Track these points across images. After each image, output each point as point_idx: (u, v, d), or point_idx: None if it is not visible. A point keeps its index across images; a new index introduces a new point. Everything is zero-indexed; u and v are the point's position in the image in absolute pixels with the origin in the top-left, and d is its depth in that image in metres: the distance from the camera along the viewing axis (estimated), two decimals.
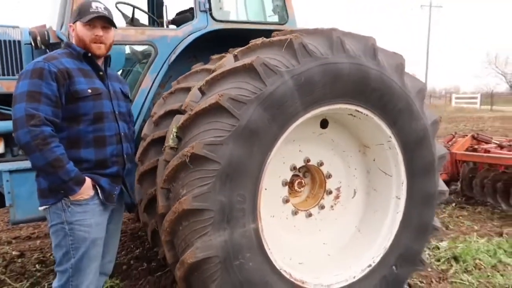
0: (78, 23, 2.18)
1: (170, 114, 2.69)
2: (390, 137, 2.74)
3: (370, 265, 2.77)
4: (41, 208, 2.18)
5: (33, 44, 3.01)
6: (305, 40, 2.33)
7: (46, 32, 2.93)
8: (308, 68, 2.31)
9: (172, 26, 3.91)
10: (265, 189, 2.66)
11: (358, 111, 2.60)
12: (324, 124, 2.86)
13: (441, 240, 4.44)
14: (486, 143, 6.15)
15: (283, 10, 3.57)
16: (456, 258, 4.00)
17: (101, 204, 2.20)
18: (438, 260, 3.98)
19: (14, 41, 3.05)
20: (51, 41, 2.94)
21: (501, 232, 4.77)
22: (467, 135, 6.27)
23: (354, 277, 2.71)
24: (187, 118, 2.24)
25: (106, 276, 2.55)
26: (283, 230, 2.81)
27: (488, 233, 4.78)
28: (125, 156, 2.31)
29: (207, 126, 2.16)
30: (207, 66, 2.83)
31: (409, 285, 3.44)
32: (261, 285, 2.31)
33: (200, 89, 2.36)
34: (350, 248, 2.95)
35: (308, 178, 3.04)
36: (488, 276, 3.66)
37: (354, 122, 2.77)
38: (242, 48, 2.46)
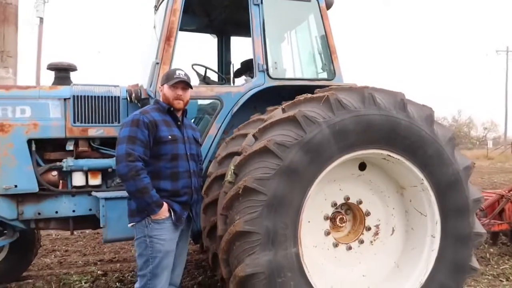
0: (165, 86, 2.91)
1: (231, 155, 3.26)
2: (422, 179, 3.05)
3: None
4: (130, 225, 2.83)
5: (128, 99, 3.84)
6: (340, 95, 2.83)
7: (139, 90, 3.74)
8: (342, 119, 2.78)
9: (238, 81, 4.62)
10: (308, 221, 3.11)
11: (390, 155, 2.98)
12: (362, 167, 3.26)
13: None
14: None
15: (330, 67, 4.11)
16: None
17: (173, 224, 2.79)
18: None
19: (114, 96, 3.90)
20: (142, 97, 3.73)
21: None
22: None
23: None
24: (242, 158, 2.80)
25: (175, 287, 3.09)
26: (324, 260, 3.17)
27: None
28: (193, 188, 2.92)
29: (258, 165, 2.70)
30: (262, 116, 3.40)
31: None
32: None
33: (254, 135, 2.93)
34: (388, 281, 3.20)
35: (350, 216, 3.41)
36: None
37: (389, 165, 3.14)
38: (289, 102, 3.01)
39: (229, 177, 2.87)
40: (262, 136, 2.84)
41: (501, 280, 4.81)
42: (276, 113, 3.04)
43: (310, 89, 3.34)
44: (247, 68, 4.44)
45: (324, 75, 4.24)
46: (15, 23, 3.95)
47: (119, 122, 3.82)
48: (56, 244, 6.56)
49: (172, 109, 2.91)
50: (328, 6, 4.27)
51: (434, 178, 3.05)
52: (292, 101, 3.01)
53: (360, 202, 3.29)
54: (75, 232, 7.16)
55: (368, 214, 3.32)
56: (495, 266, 5.32)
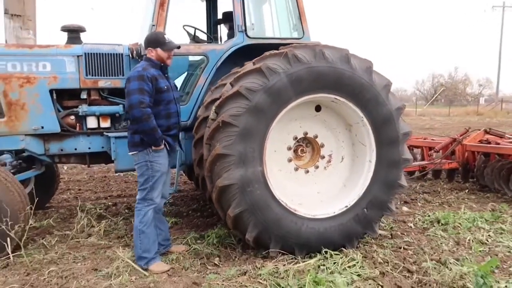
0: (159, 49, 3.67)
1: (214, 100, 4.11)
2: (362, 117, 3.94)
3: (346, 206, 3.98)
4: (132, 153, 3.67)
5: (130, 55, 4.63)
6: (296, 51, 3.65)
7: (139, 48, 4.53)
8: (298, 70, 3.62)
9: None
10: (275, 151, 4.03)
11: (337, 98, 3.84)
12: (318, 108, 4.13)
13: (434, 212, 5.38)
14: (500, 137, 6.87)
15: (300, 27, 4.86)
16: (439, 221, 4.97)
17: (167, 152, 3.69)
18: (423, 222, 5.00)
19: (119, 54, 4.68)
20: (142, 54, 4.52)
21: (494, 209, 5.57)
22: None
23: (333, 212, 3.94)
24: (221, 100, 3.66)
25: (166, 199, 4.04)
26: (287, 180, 4.12)
27: (481, 209, 5.62)
28: (179, 124, 3.84)
29: (232, 105, 3.56)
30: (239, 69, 4.22)
31: (391, 235, 4.54)
32: (265, 206, 3.64)
33: (230, 83, 3.77)
34: (336, 196, 4.17)
35: (309, 148, 4.32)
36: (459, 233, 4.61)
37: (338, 107, 4.01)
38: (258, 57, 3.83)
39: (211, 115, 3.74)
40: (237, 84, 3.68)
41: (444, 207, 5.82)
42: (248, 65, 3.86)
43: (284, 46, 4.12)
44: (226, 18, 5.22)
45: (296, 34, 5.00)
46: None
47: (123, 75, 4.62)
48: (69, 185, 7.55)
49: (162, 65, 3.71)
50: None
51: (372, 116, 3.92)
52: (261, 56, 3.83)
53: (316, 137, 4.20)
54: (85, 175, 8.17)
55: (322, 146, 4.23)
56: (442, 197, 6.34)
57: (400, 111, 4.04)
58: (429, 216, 5.22)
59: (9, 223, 3.59)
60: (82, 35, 4.88)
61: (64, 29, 4.74)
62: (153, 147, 3.58)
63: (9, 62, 4.34)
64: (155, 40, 3.72)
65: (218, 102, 3.71)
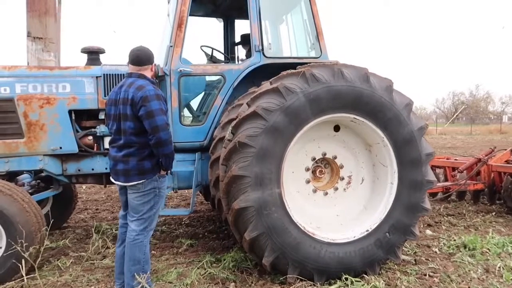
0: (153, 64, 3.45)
1: (231, 121, 4.06)
2: (383, 138, 3.81)
3: (367, 230, 3.82)
4: (135, 182, 3.23)
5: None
6: (314, 71, 3.58)
7: (157, 69, 4.52)
8: (316, 89, 3.55)
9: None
10: (292, 172, 3.92)
11: (356, 118, 3.74)
12: (337, 128, 4.03)
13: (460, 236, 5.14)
14: None
15: (318, 46, 4.82)
16: (466, 246, 4.73)
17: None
18: (449, 247, 4.76)
19: None
20: (159, 74, 4.53)
21: None
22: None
23: (354, 237, 3.78)
24: (238, 121, 3.60)
25: None
26: (305, 202, 4.00)
27: (510, 233, 5.34)
28: None
29: (249, 125, 3.49)
30: (256, 89, 4.18)
31: (415, 260, 4.33)
32: (282, 230, 3.52)
33: (247, 103, 3.72)
34: (356, 219, 4.02)
35: (328, 169, 4.20)
36: (488, 259, 4.36)
37: (357, 127, 3.90)
38: (275, 77, 3.78)
39: (228, 136, 3.68)
40: (253, 104, 3.63)
41: (470, 230, 5.56)
42: (265, 85, 3.81)
43: (301, 66, 4.07)
44: (244, 41, 5.31)
45: (313, 53, 4.95)
46: (55, 14, 4.77)
47: None
48: (87, 204, 7.57)
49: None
50: None
51: (393, 136, 3.80)
52: (278, 76, 3.77)
53: (335, 157, 4.08)
54: (103, 195, 8.20)
55: (342, 167, 4.11)
56: (468, 220, 6.07)
57: (422, 131, 3.90)
58: (455, 240, 4.98)
59: (24, 245, 3.57)
60: (102, 56, 4.95)
61: (84, 50, 4.82)
62: (161, 172, 3.40)
63: (30, 83, 4.42)
64: (151, 55, 3.41)
65: (234, 122, 3.65)
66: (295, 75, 3.65)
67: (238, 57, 5.94)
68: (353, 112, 3.71)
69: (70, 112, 4.52)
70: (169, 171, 3.47)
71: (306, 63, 3.99)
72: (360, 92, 3.66)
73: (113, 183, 3.49)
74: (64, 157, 4.60)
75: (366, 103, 3.69)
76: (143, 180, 3.27)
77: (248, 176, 3.44)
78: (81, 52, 4.82)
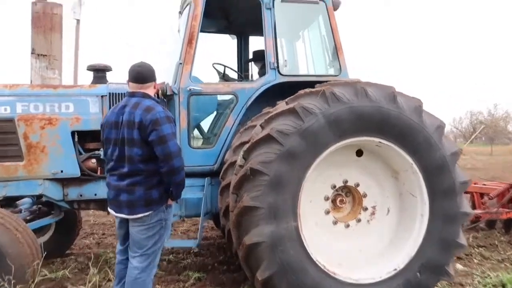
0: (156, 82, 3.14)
1: (243, 144, 3.73)
2: (412, 164, 3.41)
3: (395, 269, 3.38)
4: (142, 215, 2.88)
5: (156, 95, 4.37)
6: (335, 89, 3.24)
7: (165, 87, 4.26)
8: (337, 110, 3.19)
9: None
10: (310, 201, 3.54)
11: (381, 142, 3.36)
12: (359, 153, 3.65)
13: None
14: None
15: (337, 64, 4.49)
16: (504, 286, 4.22)
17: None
18: (485, 286, 4.26)
19: None
20: (167, 93, 4.25)
21: None
22: None
23: (380, 277, 3.35)
24: (250, 145, 3.26)
25: None
26: (324, 235, 3.59)
27: None
28: None
29: (262, 150, 3.15)
30: (270, 109, 3.85)
31: None
32: (299, 269, 3.12)
33: (261, 125, 3.38)
34: (382, 255, 3.59)
35: (349, 197, 3.81)
36: None
37: (382, 151, 3.52)
38: (292, 96, 3.44)
39: (239, 161, 3.34)
40: (268, 126, 3.29)
41: (505, 265, 5.04)
42: (281, 106, 3.48)
43: (318, 83, 3.73)
44: (257, 57, 5.03)
45: (332, 71, 4.62)
46: (60, 31, 4.56)
47: None
48: (94, 228, 7.26)
49: None
50: (335, 7, 4.64)
51: (423, 163, 3.40)
52: (295, 95, 3.44)
53: (358, 185, 3.69)
54: (110, 218, 7.89)
55: (365, 196, 3.71)
56: (502, 252, 5.53)
57: (456, 156, 3.49)
58: (490, 278, 4.47)
59: (12, 282, 3.24)
60: (109, 74, 4.71)
61: (90, 68, 4.58)
62: (169, 202, 3.07)
63: (32, 103, 4.18)
64: (153, 71, 3.10)
65: (246, 146, 3.32)
66: (313, 94, 3.31)
67: (252, 75, 5.65)
68: (378, 136, 3.34)
69: (73, 133, 4.26)
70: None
71: (325, 81, 3.65)
72: (387, 113, 3.29)
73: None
74: (65, 182, 4.30)
75: (393, 125, 3.32)
76: (150, 212, 2.92)
77: (261, 207, 3.07)
78: (87, 69, 4.59)
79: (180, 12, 4.94)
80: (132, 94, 3.03)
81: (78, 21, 19.06)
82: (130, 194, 2.89)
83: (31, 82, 4.52)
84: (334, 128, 3.21)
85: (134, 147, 2.86)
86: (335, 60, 4.53)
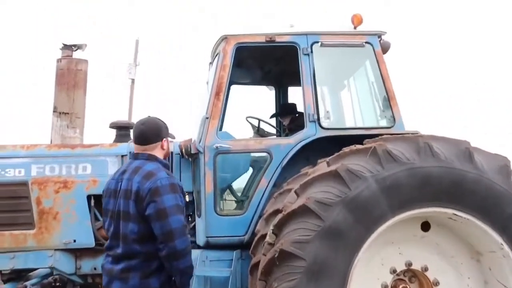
0: (169, 138, 2.61)
1: (277, 212, 3.05)
2: (502, 244, 2.54)
3: None
4: None
5: (180, 154, 3.88)
6: (389, 146, 2.52)
7: (189, 145, 3.76)
8: (393, 173, 2.46)
9: None
10: None
11: (456, 215, 2.54)
12: (426, 226, 2.82)
13: None
14: None
15: (389, 114, 3.78)
16: None
17: None
18: None
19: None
20: (192, 152, 3.74)
21: None
22: None
23: None
24: (282, 217, 2.59)
25: None
26: None
27: None
28: None
29: (297, 225, 2.46)
30: (308, 170, 3.18)
31: None
32: None
33: (295, 191, 2.71)
34: None
35: (415, 284, 2.93)
36: None
37: (458, 226, 2.68)
38: (334, 155, 2.76)
39: (268, 238, 2.66)
40: (304, 193, 2.62)
41: None
42: (320, 167, 2.81)
43: (367, 137, 3.06)
44: (285, 111, 4.62)
45: (384, 122, 3.92)
46: (84, 88, 4.34)
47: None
48: None
49: None
50: (384, 50, 4.03)
51: None
52: (338, 154, 2.77)
53: (426, 269, 2.82)
54: None
55: (437, 283, 2.82)
56: None
57: None
58: None
59: None
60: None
61: (113, 125, 4.24)
62: None
63: (48, 164, 3.85)
64: (163, 125, 2.60)
65: (277, 218, 2.65)
66: (361, 152, 2.62)
67: (285, 129, 5.03)
68: (451, 206, 2.54)
69: (89, 197, 3.83)
70: None
71: (376, 135, 2.96)
72: (461, 176, 2.51)
73: None
74: (78, 253, 3.83)
75: (471, 192, 2.52)
76: None
77: None
78: (110, 127, 4.25)
79: (211, 63, 4.56)
80: (135, 156, 2.52)
81: (132, 80, 19.92)
82: (123, 282, 2.31)
83: (51, 141, 4.24)
84: (390, 197, 2.47)
85: (129, 223, 2.32)
86: (387, 110, 3.83)
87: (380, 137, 2.80)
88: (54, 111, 4.19)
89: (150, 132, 2.50)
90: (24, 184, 3.79)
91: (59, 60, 4.22)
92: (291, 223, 2.51)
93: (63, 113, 4.14)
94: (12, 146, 3.97)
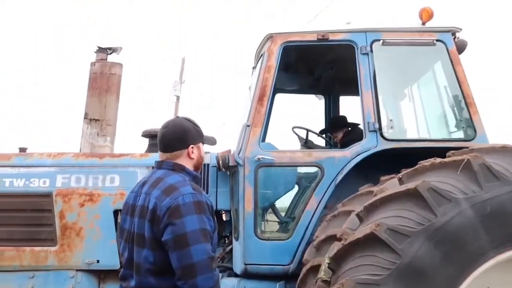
0: (200, 144, 2.09)
1: (331, 239, 2.50)
2: None
3: None
4: None
5: (217, 166, 3.42)
6: (488, 160, 1.90)
7: (227, 157, 3.30)
8: (496, 195, 1.83)
9: None
10: None
11: None
12: None
13: None
14: None
15: (468, 124, 3.14)
16: None
17: None
18: None
19: (205, 164, 3.53)
20: (230, 164, 3.28)
21: None
22: None
23: None
24: (341, 248, 2.03)
25: None
26: None
27: None
28: None
29: (362, 261, 1.89)
30: (372, 189, 2.59)
31: None
32: None
33: (358, 215, 2.14)
34: None
35: None
36: None
37: None
38: (410, 169, 2.17)
39: (322, 273, 2.10)
40: (369, 217, 2.04)
41: None
42: (391, 184, 2.22)
43: (440, 153, 2.45)
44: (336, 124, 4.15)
45: (460, 134, 3.28)
46: (117, 93, 4.03)
47: (207, 192, 3.40)
48: None
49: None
50: (460, 49, 3.41)
51: None
52: (414, 168, 2.17)
53: None
54: None
55: None
56: None
57: None
58: None
59: None
60: None
61: (145, 134, 3.87)
62: None
63: (73, 175, 3.53)
64: (195, 129, 2.08)
65: (336, 249, 2.08)
66: (449, 167, 2.02)
67: (337, 145, 4.46)
68: None
69: (115, 212, 3.44)
70: None
71: (455, 149, 2.34)
72: None
73: None
74: (102, 274, 3.43)
75: None
76: None
77: None
78: (142, 136, 3.88)
79: (254, 67, 4.12)
80: (158, 165, 2.04)
81: (178, 97, 20.15)
82: None
83: (80, 150, 3.93)
84: (491, 228, 1.83)
85: (144, 249, 1.82)
86: (465, 120, 3.20)
87: (471, 148, 2.17)
88: (84, 118, 3.90)
89: (173, 137, 2.00)
90: (48, 195, 3.49)
91: (92, 64, 3.95)
92: (354, 257, 1.93)
93: (93, 119, 3.83)
94: (39, 154, 3.71)
